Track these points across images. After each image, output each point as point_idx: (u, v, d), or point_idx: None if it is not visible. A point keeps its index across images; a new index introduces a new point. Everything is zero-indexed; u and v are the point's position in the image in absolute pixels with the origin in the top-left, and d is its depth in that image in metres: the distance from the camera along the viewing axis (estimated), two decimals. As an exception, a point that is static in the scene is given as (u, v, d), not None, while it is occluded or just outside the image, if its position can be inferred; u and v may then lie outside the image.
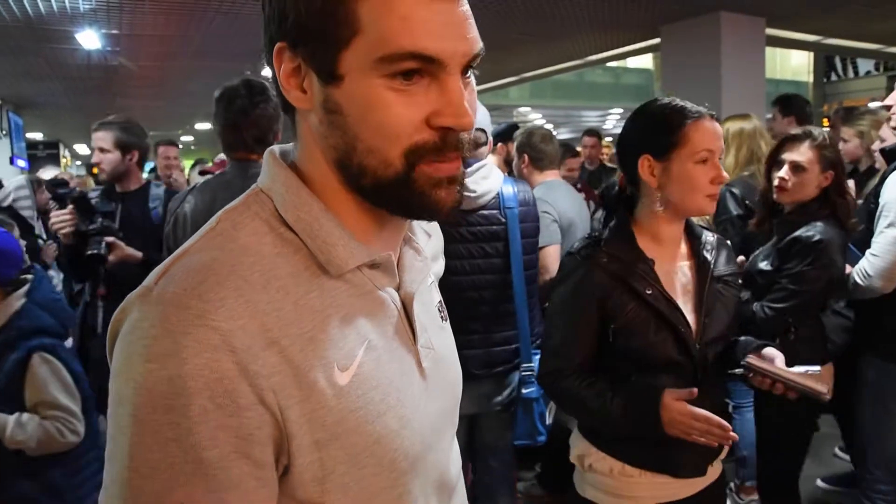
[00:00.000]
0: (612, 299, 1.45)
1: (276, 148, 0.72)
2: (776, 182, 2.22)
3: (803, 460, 2.42)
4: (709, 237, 1.58)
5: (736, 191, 2.90)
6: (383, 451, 0.64)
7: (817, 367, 1.51)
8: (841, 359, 2.28)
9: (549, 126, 8.21)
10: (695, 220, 1.61)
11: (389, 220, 0.70)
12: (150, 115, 12.44)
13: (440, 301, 0.84)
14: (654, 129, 1.47)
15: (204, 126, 14.94)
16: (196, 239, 0.64)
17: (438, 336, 0.79)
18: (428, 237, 0.84)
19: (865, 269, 2.16)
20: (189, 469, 0.54)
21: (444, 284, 2.09)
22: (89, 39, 6.29)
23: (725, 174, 1.44)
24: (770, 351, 1.47)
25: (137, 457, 0.55)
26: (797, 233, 2.12)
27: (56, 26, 5.89)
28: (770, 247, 2.25)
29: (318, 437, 0.60)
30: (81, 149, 17.28)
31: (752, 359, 1.44)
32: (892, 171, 2.14)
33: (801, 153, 2.16)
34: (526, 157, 3.12)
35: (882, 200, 2.14)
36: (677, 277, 1.51)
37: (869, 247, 2.21)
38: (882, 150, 2.35)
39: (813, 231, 2.09)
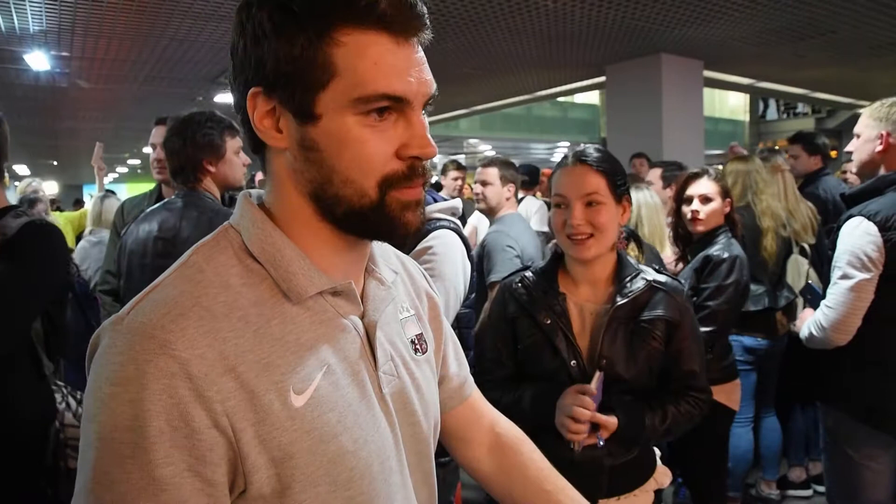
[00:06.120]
0: (519, 323, 1.58)
1: (252, 192, 0.78)
2: (689, 215, 2.49)
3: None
4: (637, 283, 1.53)
5: None
6: (339, 469, 0.68)
7: (598, 373, 1.47)
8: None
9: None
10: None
11: (353, 251, 0.76)
12: (97, 137, 12.17)
13: (418, 335, 0.87)
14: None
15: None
16: (170, 272, 0.70)
17: (409, 367, 0.83)
18: (395, 274, 0.88)
19: (820, 321, 2.01)
20: (143, 484, 0.59)
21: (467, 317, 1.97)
22: (38, 61, 6.20)
23: (577, 222, 1.46)
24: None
25: (99, 470, 0.60)
26: (709, 251, 2.38)
27: (4, 46, 5.80)
28: (688, 270, 2.44)
29: (274, 455, 0.64)
30: (21, 169, 16.79)
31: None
32: (846, 220, 2.00)
33: (706, 186, 2.47)
34: (514, 186, 3.29)
35: (837, 251, 2.01)
36: (591, 316, 1.54)
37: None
38: (842, 195, 2.22)
39: (724, 250, 2.36)
